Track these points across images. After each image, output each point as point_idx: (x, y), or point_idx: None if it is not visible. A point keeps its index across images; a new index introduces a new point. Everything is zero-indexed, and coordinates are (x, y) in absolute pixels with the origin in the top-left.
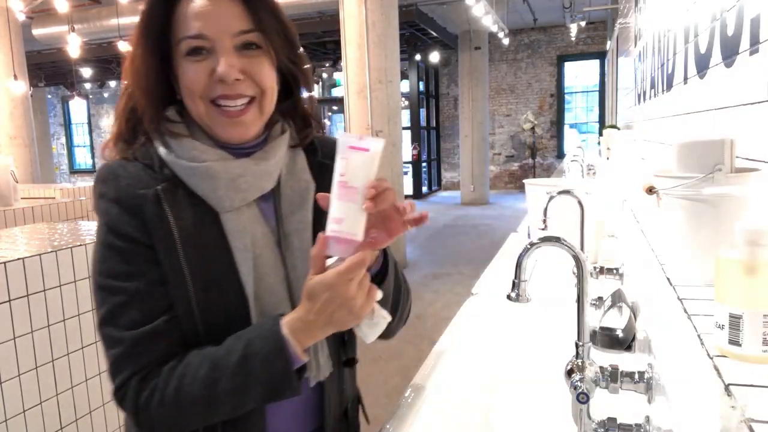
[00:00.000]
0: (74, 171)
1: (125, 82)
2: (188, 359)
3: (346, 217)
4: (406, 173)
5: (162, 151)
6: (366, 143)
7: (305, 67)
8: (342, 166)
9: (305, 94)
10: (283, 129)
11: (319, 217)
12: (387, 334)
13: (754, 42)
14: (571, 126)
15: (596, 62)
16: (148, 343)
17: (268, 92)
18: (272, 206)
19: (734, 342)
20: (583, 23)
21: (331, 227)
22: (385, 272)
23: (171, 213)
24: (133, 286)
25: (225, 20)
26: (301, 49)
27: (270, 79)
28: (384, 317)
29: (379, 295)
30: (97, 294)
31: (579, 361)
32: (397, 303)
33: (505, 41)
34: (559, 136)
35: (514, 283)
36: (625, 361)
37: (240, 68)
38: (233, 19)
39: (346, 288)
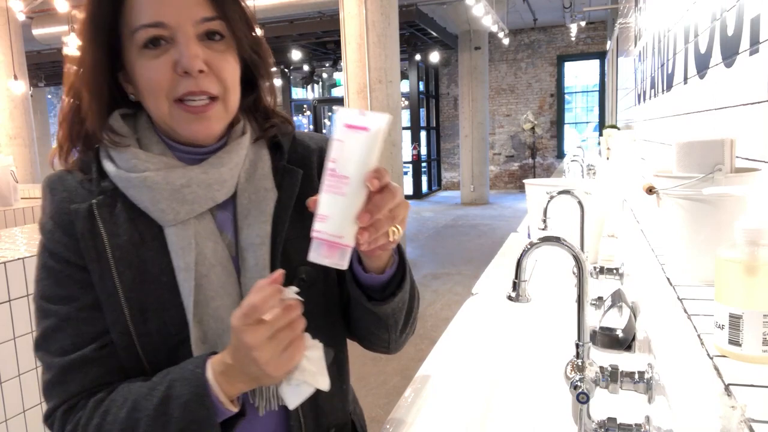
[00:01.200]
0: None
1: (69, 81)
2: (115, 394)
3: (330, 214)
4: (406, 173)
5: (104, 160)
6: (367, 120)
7: (266, 54)
8: (334, 151)
9: (266, 84)
10: (244, 130)
11: (280, 231)
12: (394, 347)
13: (754, 42)
14: (573, 125)
15: (596, 62)
16: (76, 372)
17: (232, 89)
18: (231, 217)
19: (734, 342)
20: (583, 23)
21: (315, 227)
22: (402, 276)
23: (105, 230)
24: (64, 310)
25: (186, 6)
26: (260, 33)
27: (234, 74)
28: (308, 383)
29: (314, 353)
30: (35, 314)
31: (579, 361)
32: (410, 313)
33: (505, 41)
34: (559, 136)
35: (514, 283)
36: (625, 361)
37: (204, 59)
38: (195, 5)
39: (246, 335)
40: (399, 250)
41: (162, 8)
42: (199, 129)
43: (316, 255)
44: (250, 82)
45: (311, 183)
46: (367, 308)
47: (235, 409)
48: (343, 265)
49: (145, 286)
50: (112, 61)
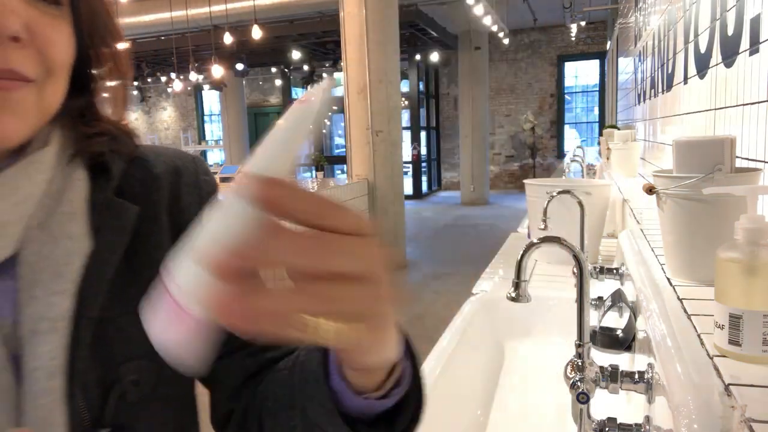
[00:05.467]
0: None
1: None
2: None
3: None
4: (406, 173)
5: None
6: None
7: (113, 36)
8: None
9: (108, 85)
10: (47, 139)
11: (90, 305)
12: None
13: (754, 42)
14: (573, 125)
15: (596, 62)
16: None
17: (59, 75)
18: (10, 281)
19: (734, 342)
20: (583, 23)
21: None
22: (417, 406)
23: None
24: None
25: None
26: (116, 23)
27: (65, 54)
28: None
29: None
30: None
31: (579, 361)
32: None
33: (505, 41)
34: (559, 136)
35: (514, 283)
36: (625, 361)
37: (25, 21)
38: None
39: None
40: (413, 361)
41: None
42: None
43: (153, 326)
44: (81, 79)
45: (155, 225)
46: None
47: None
48: (189, 358)
49: None
50: None
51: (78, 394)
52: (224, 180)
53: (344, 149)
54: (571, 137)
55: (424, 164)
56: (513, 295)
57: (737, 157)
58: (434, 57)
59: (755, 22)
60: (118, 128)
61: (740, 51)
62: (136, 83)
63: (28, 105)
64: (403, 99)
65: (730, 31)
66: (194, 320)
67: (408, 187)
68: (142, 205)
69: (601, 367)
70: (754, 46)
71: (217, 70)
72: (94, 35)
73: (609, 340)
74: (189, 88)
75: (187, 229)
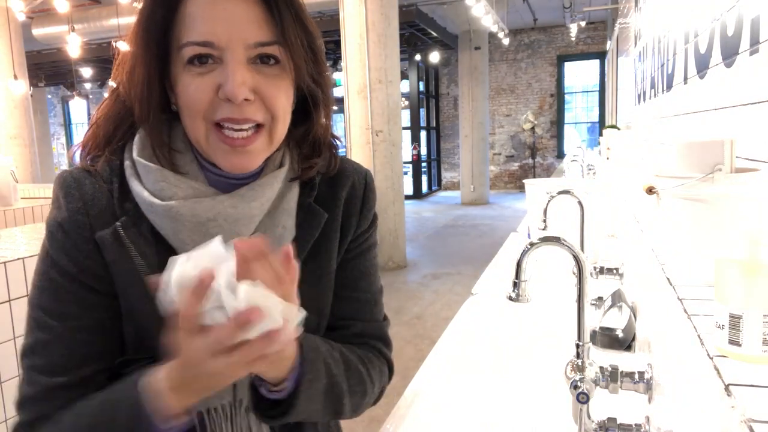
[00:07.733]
0: None
1: (115, 82)
2: (66, 417)
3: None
4: (406, 173)
5: (130, 177)
6: None
7: (327, 84)
8: None
9: (321, 116)
10: (282, 162)
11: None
12: (348, 418)
13: (754, 42)
14: (573, 125)
15: (596, 62)
16: (56, 396)
17: (281, 118)
18: None
19: (734, 342)
20: (583, 23)
21: None
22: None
23: (137, 250)
24: (60, 327)
25: (240, 26)
26: (328, 65)
27: (285, 103)
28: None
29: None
30: (28, 320)
31: (579, 361)
32: (340, 408)
33: (505, 41)
34: (559, 136)
35: (514, 283)
36: (625, 361)
37: (252, 86)
38: (250, 25)
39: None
40: (301, 350)
41: (213, 26)
42: (237, 162)
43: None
44: (304, 111)
45: (332, 224)
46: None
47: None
48: None
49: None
50: (162, 70)
51: None
52: None
53: (344, 149)
54: (571, 137)
55: (424, 164)
56: (513, 295)
57: (737, 157)
58: (434, 57)
59: (755, 22)
60: (328, 146)
61: (740, 51)
62: None
63: (259, 147)
64: (403, 99)
65: (730, 32)
66: None
67: (408, 187)
68: (328, 212)
69: (601, 367)
70: (754, 46)
71: None
72: (309, 82)
73: (609, 340)
74: None
75: (347, 231)
